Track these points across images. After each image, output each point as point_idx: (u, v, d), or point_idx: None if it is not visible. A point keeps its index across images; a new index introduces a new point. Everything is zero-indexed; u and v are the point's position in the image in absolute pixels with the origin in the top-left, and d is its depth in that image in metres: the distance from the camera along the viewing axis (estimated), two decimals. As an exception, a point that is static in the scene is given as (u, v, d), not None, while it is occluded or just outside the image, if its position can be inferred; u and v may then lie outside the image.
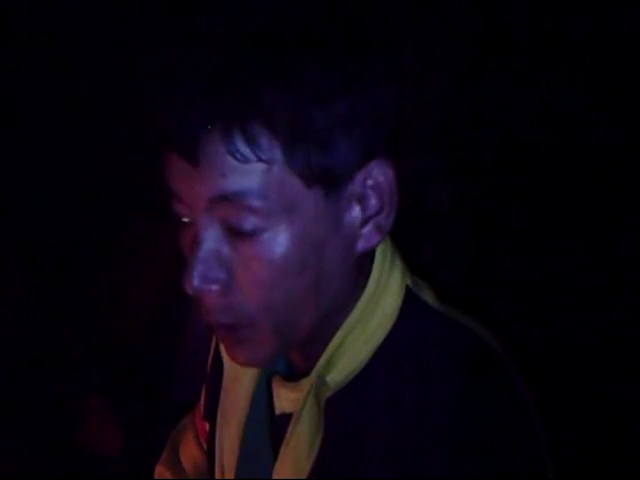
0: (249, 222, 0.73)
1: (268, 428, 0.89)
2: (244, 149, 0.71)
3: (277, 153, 0.72)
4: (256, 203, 0.72)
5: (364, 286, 0.81)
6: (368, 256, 0.82)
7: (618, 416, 2.05)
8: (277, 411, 0.86)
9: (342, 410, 0.81)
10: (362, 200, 0.77)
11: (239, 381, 0.91)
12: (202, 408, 1.05)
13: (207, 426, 1.02)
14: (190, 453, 1.13)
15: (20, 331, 2.22)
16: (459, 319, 0.83)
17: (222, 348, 0.92)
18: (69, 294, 2.27)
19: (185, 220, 0.77)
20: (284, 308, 0.76)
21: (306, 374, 0.83)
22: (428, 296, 0.84)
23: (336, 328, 0.81)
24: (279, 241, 0.74)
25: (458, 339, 0.82)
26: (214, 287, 0.76)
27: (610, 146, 2.15)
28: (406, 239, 0.86)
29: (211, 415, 0.97)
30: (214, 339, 0.99)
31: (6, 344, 2.18)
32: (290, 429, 0.83)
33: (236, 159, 0.71)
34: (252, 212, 0.72)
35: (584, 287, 2.16)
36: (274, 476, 0.86)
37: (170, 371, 1.82)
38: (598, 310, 2.14)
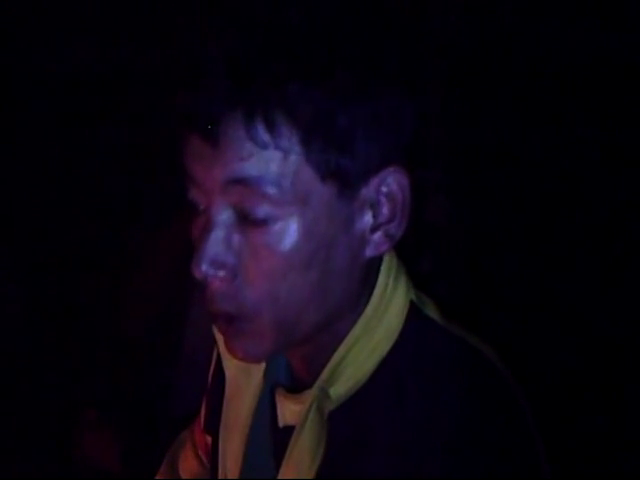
0: (262, 209, 0.74)
1: (271, 440, 0.89)
2: (264, 135, 0.72)
3: (295, 143, 0.73)
4: (270, 190, 0.73)
5: (369, 299, 0.82)
6: (374, 268, 0.82)
7: (619, 435, 2.05)
8: (280, 423, 0.87)
9: (344, 423, 0.81)
10: (375, 206, 0.78)
11: (242, 393, 0.91)
12: (203, 421, 1.05)
13: (207, 439, 1.03)
14: (188, 466, 1.13)
15: (19, 343, 2.22)
16: (462, 335, 0.84)
17: (222, 352, 0.92)
18: (68, 306, 2.26)
19: (199, 208, 0.78)
20: (287, 302, 0.77)
21: (309, 386, 0.83)
22: (432, 312, 0.84)
23: (339, 340, 0.81)
24: (290, 232, 0.75)
25: (461, 355, 0.82)
26: (221, 273, 0.76)
27: (611, 159, 2.16)
28: (405, 251, 0.86)
29: (213, 427, 0.97)
30: (215, 352, 1.00)
31: (4, 356, 2.18)
32: (292, 442, 0.83)
33: (255, 144, 0.72)
34: (266, 199, 0.73)
35: (585, 300, 2.16)
36: (276, 488, 0.86)
37: (169, 384, 1.82)
38: (599, 320, 2.14)
